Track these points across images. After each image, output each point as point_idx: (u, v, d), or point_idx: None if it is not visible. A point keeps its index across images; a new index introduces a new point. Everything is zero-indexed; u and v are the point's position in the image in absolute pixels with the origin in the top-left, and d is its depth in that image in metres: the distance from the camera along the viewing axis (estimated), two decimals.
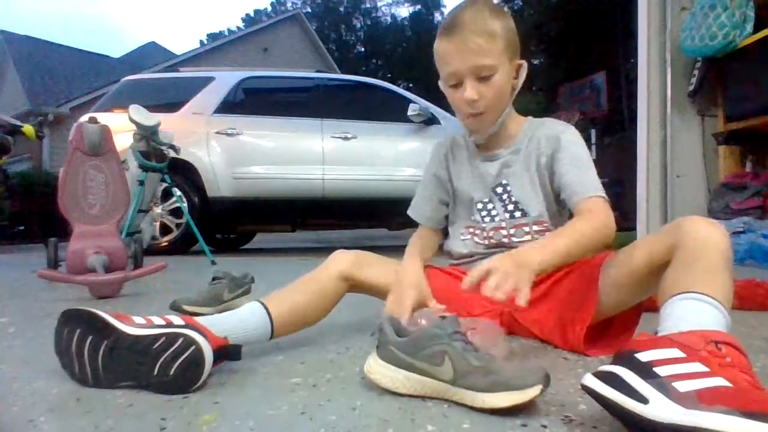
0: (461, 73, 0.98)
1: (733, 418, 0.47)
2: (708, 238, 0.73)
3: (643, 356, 0.57)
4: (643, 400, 0.53)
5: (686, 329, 0.62)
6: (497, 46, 0.96)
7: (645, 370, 0.55)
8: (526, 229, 1.07)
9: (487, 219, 1.11)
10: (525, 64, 1.05)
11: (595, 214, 0.94)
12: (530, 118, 1.13)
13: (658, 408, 0.52)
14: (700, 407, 0.49)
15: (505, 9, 1.05)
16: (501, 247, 1.08)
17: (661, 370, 0.55)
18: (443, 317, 0.76)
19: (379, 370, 0.76)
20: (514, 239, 1.07)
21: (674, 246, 0.76)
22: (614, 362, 0.60)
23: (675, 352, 0.57)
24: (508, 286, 0.75)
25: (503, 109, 1.05)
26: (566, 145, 1.04)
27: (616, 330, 0.98)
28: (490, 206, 1.11)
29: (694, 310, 0.66)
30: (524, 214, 1.07)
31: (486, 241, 1.11)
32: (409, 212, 1.23)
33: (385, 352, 0.76)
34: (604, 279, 0.92)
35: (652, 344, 0.59)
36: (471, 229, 1.14)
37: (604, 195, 0.98)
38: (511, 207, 1.08)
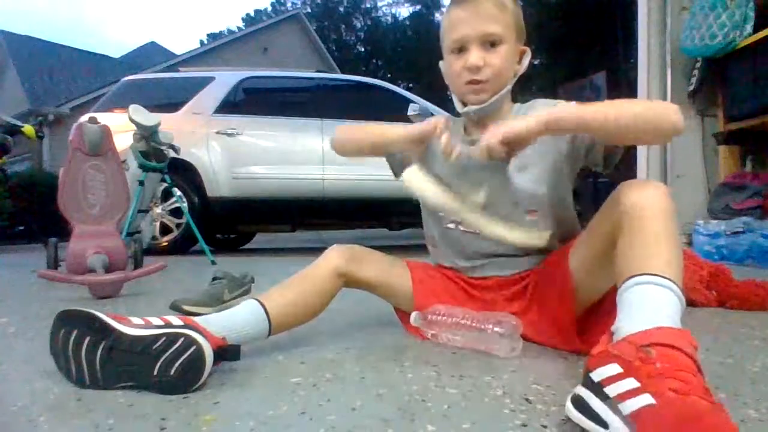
0: (468, 38, 0.97)
1: None
2: (644, 202, 0.72)
3: (595, 375, 0.59)
4: (604, 424, 0.55)
5: (626, 332, 0.61)
6: (507, 19, 0.97)
7: (599, 391, 0.57)
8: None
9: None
10: (528, 51, 1.04)
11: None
12: (517, 105, 1.07)
13: None
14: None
15: None
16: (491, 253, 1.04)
17: (610, 390, 0.56)
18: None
19: (413, 178, 0.86)
20: None
21: (616, 222, 0.75)
22: (582, 382, 0.61)
23: (615, 368, 0.57)
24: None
25: (503, 87, 1.01)
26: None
27: (602, 315, 0.93)
28: None
29: (638, 301, 0.65)
30: (514, 203, 1.00)
31: (474, 231, 1.02)
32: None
33: (420, 167, 0.85)
34: (574, 260, 0.90)
35: (598, 361, 0.60)
36: (452, 225, 1.07)
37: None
38: None
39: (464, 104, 1.04)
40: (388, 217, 4.44)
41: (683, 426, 0.49)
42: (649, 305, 0.64)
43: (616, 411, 0.54)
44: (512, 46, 0.99)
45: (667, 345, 0.57)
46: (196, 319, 0.84)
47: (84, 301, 1.72)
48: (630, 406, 0.53)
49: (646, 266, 0.67)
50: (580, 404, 0.59)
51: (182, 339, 0.75)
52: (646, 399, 0.52)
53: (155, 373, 0.75)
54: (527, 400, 0.72)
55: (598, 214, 0.85)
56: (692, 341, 0.58)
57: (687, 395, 0.51)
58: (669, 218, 0.71)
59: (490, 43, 0.96)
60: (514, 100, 1.09)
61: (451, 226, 1.08)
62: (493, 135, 0.84)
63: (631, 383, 0.55)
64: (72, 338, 0.78)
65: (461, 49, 0.98)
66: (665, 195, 0.73)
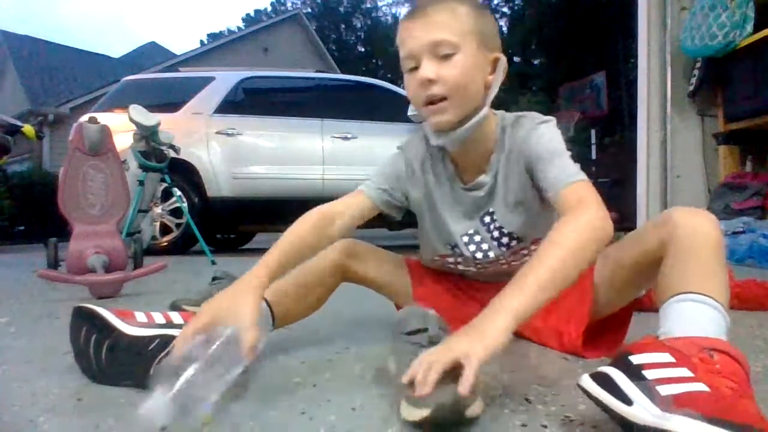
0: (417, 51, 0.85)
1: (694, 422, 0.48)
2: (698, 229, 0.72)
3: (636, 359, 0.59)
4: (628, 401, 0.54)
5: (683, 335, 0.62)
6: (460, 24, 0.84)
7: (635, 373, 0.57)
8: (524, 252, 0.99)
9: (479, 255, 1.00)
10: (503, 58, 0.90)
11: (577, 215, 0.75)
12: (499, 119, 0.95)
13: (638, 410, 0.53)
14: (671, 410, 0.51)
15: (485, 6, 0.95)
16: (497, 273, 1.01)
17: (650, 374, 0.56)
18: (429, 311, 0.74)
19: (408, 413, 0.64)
20: (514, 263, 0.99)
21: (666, 241, 0.75)
22: (611, 363, 0.61)
23: (666, 357, 0.58)
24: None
25: (472, 106, 0.88)
26: (536, 147, 0.88)
27: (611, 327, 0.97)
28: (477, 238, 1.00)
29: (693, 314, 0.66)
30: (519, 240, 0.98)
31: (475, 268, 1.03)
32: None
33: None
34: (597, 279, 0.91)
35: (647, 347, 0.60)
36: (451, 259, 1.05)
37: (583, 178, 0.82)
38: (505, 240, 0.98)
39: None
40: (387, 217, 4.43)
41: (735, 416, 0.49)
42: (705, 319, 0.65)
43: (649, 391, 0.54)
44: (474, 55, 0.85)
45: (729, 355, 0.58)
46: None
47: (85, 301, 1.71)
48: (672, 389, 0.53)
49: (700, 287, 0.67)
50: (602, 380, 0.58)
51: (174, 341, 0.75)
52: (699, 386, 0.53)
53: (151, 373, 0.75)
54: (527, 400, 0.71)
55: (639, 233, 0.84)
56: (748, 363, 0.59)
57: (744, 397, 0.53)
58: (719, 247, 0.72)
59: (443, 54, 0.84)
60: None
61: (450, 260, 1.05)
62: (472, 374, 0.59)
63: (682, 372, 0.55)
64: (82, 334, 0.80)
65: (414, 68, 0.86)
66: (716, 224, 0.74)
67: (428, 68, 0.84)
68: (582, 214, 0.75)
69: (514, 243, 0.98)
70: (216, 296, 0.79)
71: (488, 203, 0.97)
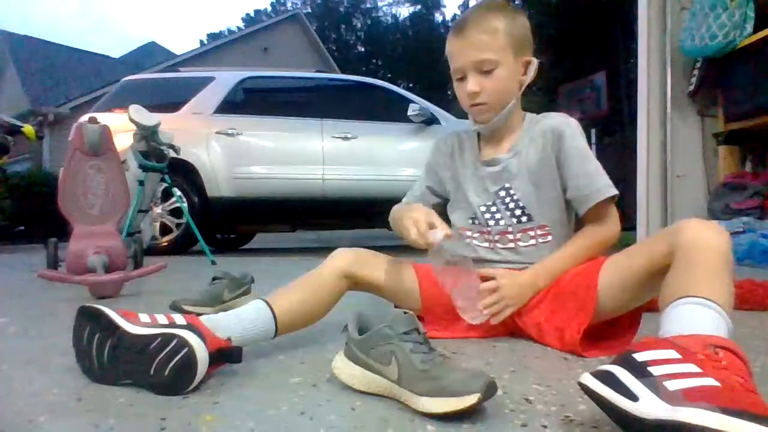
0: (465, 68, 1.03)
1: (711, 414, 0.48)
2: (708, 240, 0.74)
3: (640, 356, 0.58)
4: (634, 397, 0.54)
5: (686, 333, 0.62)
6: (499, 42, 1.01)
7: (640, 370, 0.56)
8: (531, 233, 1.07)
9: (491, 222, 1.10)
10: (534, 61, 1.07)
11: (600, 228, 1.03)
12: (528, 115, 1.13)
13: (645, 405, 0.53)
14: (684, 404, 0.50)
15: (517, 10, 1.09)
16: (506, 250, 1.09)
17: (655, 370, 0.55)
18: (405, 313, 0.76)
19: (340, 366, 0.79)
20: (521, 243, 1.08)
21: (674, 250, 0.76)
22: (613, 362, 0.60)
23: (671, 354, 0.57)
24: (496, 309, 1.00)
25: (507, 102, 1.06)
26: (569, 143, 1.04)
27: (616, 332, 0.98)
28: (493, 209, 1.11)
29: (695, 315, 0.66)
30: (530, 219, 1.07)
31: (488, 244, 1.11)
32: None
33: (347, 349, 0.79)
34: (603, 283, 0.92)
35: (651, 345, 0.60)
36: (469, 232, 1.14)
37: (610, 193, 1.01)
38: (518, 212, 1.08)
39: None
40: (388, 217, 4.43)
41: (750, 407, 0.48)
42: (705, 320, 0.66)
43: (656, 387, 0.53)
44: (510, 64, 1.03)
45: (733, 352, 0.58)
46: (202, 318, 0.84)
47: (85, 301, 1.71)
48: (680, 384, 0.52)
49: (702, 291, 0.68)
50: (604, 378, 0.58)
51: (176, 340, 0.75)
52: (709, 381, 0.52)
53: (152, 373, 0.75)
54: (527, 400, 0.72)
55: (649, 241, 0.88)
56: (749, 361, 0.60)
57: (753, 393, 0.52)
58: (727, 259, 0.73)
59: (486, 70, 1.02)
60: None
61: (468, 233, 1.14)
62: (501, 312, 1.02)
63: (689, 368, 0.55)
64: (86, 333, 0.81)
65: (462, 78, 1.05)
66: (727, 238, 0.75)
67: (473, 83, 1.03)
68: (601, 230, 1.03)
69: (525, 219, 1.07)
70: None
71: (506, 179, 1.10)
